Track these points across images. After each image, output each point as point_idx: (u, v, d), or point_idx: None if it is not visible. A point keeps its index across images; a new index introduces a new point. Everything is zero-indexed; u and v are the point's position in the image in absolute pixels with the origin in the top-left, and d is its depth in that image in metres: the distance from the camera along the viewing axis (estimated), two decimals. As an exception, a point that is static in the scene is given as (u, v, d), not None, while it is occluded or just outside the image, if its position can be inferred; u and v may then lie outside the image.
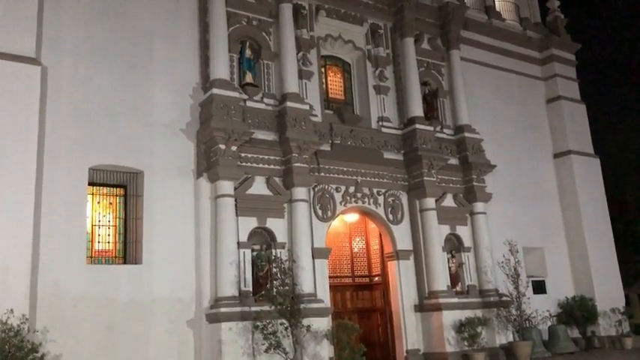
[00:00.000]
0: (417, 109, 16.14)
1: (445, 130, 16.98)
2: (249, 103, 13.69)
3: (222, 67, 13.28)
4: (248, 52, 14.20)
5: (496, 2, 20.79)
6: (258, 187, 13.25)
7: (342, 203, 14.72)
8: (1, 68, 10.99)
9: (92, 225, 12.31)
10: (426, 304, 14.97)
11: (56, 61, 11.97)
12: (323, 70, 15.89)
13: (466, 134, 16.81)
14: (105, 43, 12.69)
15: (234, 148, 12.80)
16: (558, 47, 21.13)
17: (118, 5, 13.07)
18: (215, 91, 12.82)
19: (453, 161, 16.61)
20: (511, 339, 15.28)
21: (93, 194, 12.40)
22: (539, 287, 18.11)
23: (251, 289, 12.54)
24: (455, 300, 15.03)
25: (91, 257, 12.07)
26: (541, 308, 16.44)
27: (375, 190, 15.31)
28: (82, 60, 12.34)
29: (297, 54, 14.65)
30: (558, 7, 22.04)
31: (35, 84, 11.32)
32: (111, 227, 12.53)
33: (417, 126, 15.74)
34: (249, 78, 13.96)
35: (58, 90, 11.86)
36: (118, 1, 13.09)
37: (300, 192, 13.55)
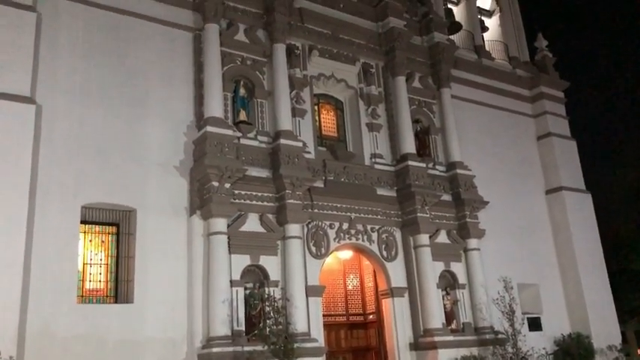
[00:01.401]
0: (409, 146, 16.29)
1: (437, 167, 17.10)
2: (242, 141, 13.78)
3: (216, 105, 13.42)
4: (242, 91, 14.37)
5: (485, 42, 21.24)
6: (252, 224, 13.22)
7: (336, 240, 14.68)
8: (-5, 106, 11.05)
9: (84, 264, 12.19)
10: (422, 343, 14.79)
11: (51, 100, 12.07)
12: (316, 107, 16.08)
13: (458, 171, 16.94)
14: (100, 82, 12.83)
15: (227, 185, 12.82)
16: (547, 85, 21.52)
17: (115, 45, 13.26)
18: (209, 128, 12.92)
19: (446, 197, 16.67)
20: (508, 378, 15.05)
21: (85, 232, 12.33)
22: (534, 324, 17.95)
23: (244, 328, 12.37)
24: (450, 338, 14.86)
25: (82, 296, 11.91)
26: (537, 346, 16.25)
27: (368, 227, 15.29)
28: (77, 98, 12.44)
29: (290, 92, 14.85)
30: (546, 47, 22.53)
31: (29, 123, 11.37)
32: (102, 266, 12.41)
33: (410, 163, 15.86)
34: (242, 116, 14.09)
35: (52, 128, 11.92)
36: (115, 41, 13.28)
37: (293, 229, 13.52)
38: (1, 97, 11.15)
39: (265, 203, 13.58)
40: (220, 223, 12.63)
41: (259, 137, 14.17)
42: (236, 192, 13.13)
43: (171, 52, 13.99)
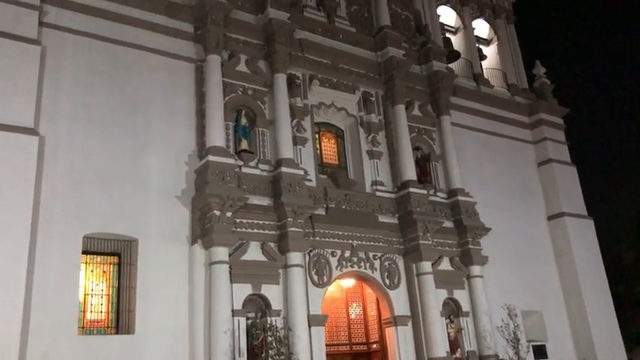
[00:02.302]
0: (410, 173, 16.34)
1: (439, 194, 17.12)
2: (244, 170, 13.84)
3: (218, 134, 13.52)
4: (243, 120, 14.49)
5: (484, 70, 21.49)
6: (253, 252, 13.19)
7: (338, 268, 14.61)
8: (-1, 139, 11.16)
9: (85, 294, 12.12)
10: (426, 372, 14.59)
11: (54, 131, 12.17)
12: (317, 136, 16.18)
13: (459, 197, 16.95)
14: (103, 112, 12.95)
15: (229, 214, 12.83)
16: (546, 112, 21.67)
17: (117, 76, 13.42)
18: (211, 158, 12.99)
19: (448, 224, 16.65)
20: (514, 407, 14.80)
21: (86, 263, 12.29)
22: (540, 352, 17.74)
23: (246, 358, 12.24)
24: (455, 367, 14.68)
25: (83, 328, 11.81)
26: (543, 374, 16.05)
27: (370, 254, 15.24)
28: (80, 128, 12.55)
29: (291, 121, 14.96)
30: (544, 74, 22.75)
31: (32, 154, 11.46)
32: (104, 296, 12.33)
33: (411, 189, 15.88)
34: (244, 145, 14.18)
35: (54, 159, 12.00)
36: (117, 72, 13.45)
37: (295, 257, 13.48)
38: (4, 129, 11.26)
39: (267, 231, 13.56)
40: (222, 252, 12.60)
41: (261, 166, 14.23)
42: (237, 221, 13.13)
43: (173, 82, 14.14)
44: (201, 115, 13.99)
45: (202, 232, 12.87)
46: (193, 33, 14.63)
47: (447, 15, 21.81)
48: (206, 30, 14.23)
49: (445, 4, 21.57)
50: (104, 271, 12.50)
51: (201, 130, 13.85)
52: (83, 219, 11.96)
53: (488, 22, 22.74)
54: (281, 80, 15.03)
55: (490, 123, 20.33)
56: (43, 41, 12.52)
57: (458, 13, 21.87)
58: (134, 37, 13.86)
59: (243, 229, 13.24)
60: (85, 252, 12.07)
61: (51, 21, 12.86)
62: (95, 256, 12.44)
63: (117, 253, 12.61)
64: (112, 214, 12.33)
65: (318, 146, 16.10)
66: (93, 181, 12.33)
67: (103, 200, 12.30)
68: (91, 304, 12.17)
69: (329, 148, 16.55)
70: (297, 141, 15.04)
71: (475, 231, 16.67)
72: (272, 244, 13.50)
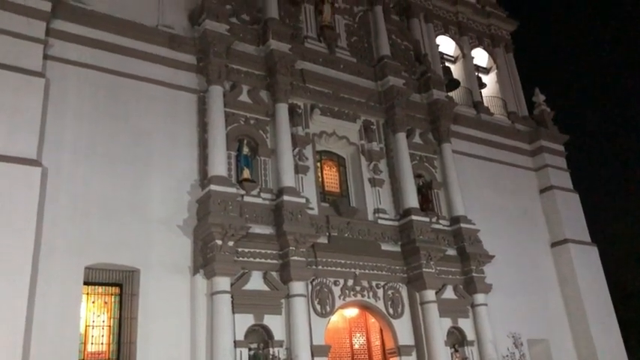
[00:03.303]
0: (412, 200, 16.33)
1: (441, 221, 17.09)
2: (246, 199, 13.86)
3: (220, 164, 13.57)
4: (245, 150, 14.56)
5: (484, 98, 21.67)
6: (255, 282, 13.11)
7: (341, 297, 14.49)
8: (1, 170, 11.21)
9: (86, 326, 12.02)
10: (431, 403, 14.34)
11: (57, 161, 12.23)
12: (319, 164, 16.23)
13: (462, 225, 16.90)
14: (105, 143, 13.03)
15: (231, 243, 12.80)
16: (547, 139, 21.74)
17: (120, 107, 13.55)
18: (213, 187, 13.02)
19: (451, 252, 16.58)
20: None
21: (88, 294, 12.21)
22: (547, 381, 17.47)
23: (248, 390, 12.07)
24: (461, 398, 14.43)
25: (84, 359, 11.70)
26: (551, 404, 15.76)
27: (374, 283, 15.13)
28: (82, 159, 12.62)
29: (293, 150, 15.03)
30: (544, 101, 22.92)
31: (35, 186, 11.50)
32: (105, 328, 12.22)
33: (413, 217, 15.85)
34: (246, 174, 14.22)
35: (57, 190, 12.03)
36: (120, 103, 13.58)
37: (297, 286, 13.38)
38: (7, 160, 11.32)
39: (269, 261, 13.51)
40: (223, 282, 12.53)
41: (262, 194, 14.25)
42: (239, 250, 13.09)
43: (176, 113, 14.26)
44: (203, 144, 14.07)
45: (204, 261, 12.83)
46: (196, 64, 14.81)
47: (446, 44, 22.09)
48: (208, 61, 14.42)
49: (444, 34, 21.87)
50: (105, 302, 12.41)
51: (203, 160, 13.92)
52: (85, 250, 11.94)
53: (487, 51, 23.01)
54: (282, 110, 15.15)
55: (491, 150, 20.41)
56: (47, 73, 12.67)
57: (457, 43, 22.15)
58: (137, 68, 14.04)
59: (245, 259, 13.19)
60: (86, 283, 12.01)
61: (55, 54, 13.05)
62: (96, 286, 12.37)
63: (118, 284, 12.54)
64: (114, 245, 12.31)
65: (319, 174, 16.14)
66: (95, 211, 12.35)
67: (104, 231, 12.29)
68: (92, 336, 12.04)
69: (331, 176, 16.59)
70: (298, 169, 15.08)
71: (478, 258, 16.58)
72: (274, 274, 13.42)
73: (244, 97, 15.04)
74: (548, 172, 21.16)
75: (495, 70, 22.93)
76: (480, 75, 22.59)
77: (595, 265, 20.27)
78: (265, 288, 13.18)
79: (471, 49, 22.36)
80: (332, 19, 17.52)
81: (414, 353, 14.99)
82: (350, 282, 14.73)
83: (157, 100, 14.08)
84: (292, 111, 15.59)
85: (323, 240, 14.57)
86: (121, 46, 13.93)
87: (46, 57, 12.80)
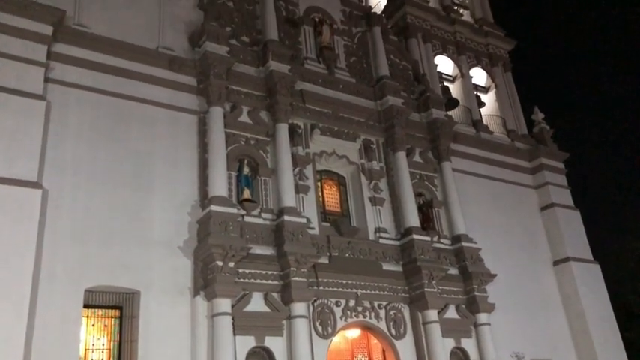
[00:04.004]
0: (413, 219, 16.29)
1: (442, 240, 17.03)
2: (246, 219, 13.83)
3: (220, 184, 13.57)
4: (246, 170, 14.56)
5: (483, 116, 21.74)
6: (256, 303, 13.02)
7: (343, 318, 14.38)
8: (2, 192, 11.21)
9: (85, 349, 11.90)
10: None
11: (57, 184, 12.24)
12: (319, 184, 16.23)
13: (464, 244, 16.84)
14: (106, 165, 13.05)
15: (231, 264, 12.74)
16: (547, 157, 21.77)
17: (121, 129, 13.59)
18: (213, 208, 12.99)
19: (453, 271, 16.49)
20: None
21: (88, 317, 12.12)
22: (551, 401, 17.25)
23: (250, 414, 11.90)
24: (465, 419, 14.23)
25: (83, 384, 11.57)
26: None
27: (376, 303, 15.02)
28: (83, 181, 12.62)
29: (293, 170, 15.04)
30: (543, 119, 23.00)
31: (35, 208, 11.50)
32: (105, 351, 12.10)
33: (415, 236, 15.80)
34: (246, 194, 14.21)
35: (58, 212, 12.02)
36: (121, 125, 13.62)
37: (298, 307, 13.28)
38: (8, 183, 11.33)
39: (270, 281, 13.42)
40: (224, 304, 12.44)
41: (263, 215, 14.22)
42: (240, 271, 13.02)
43: (176, 134, 14.30)
44: (203, 165, 14.09)
45: (205, 283, 12.75)
46: (196, 86, 14.89)
47: (445, 64, 22.26)
48: (209, 83, 14.50)
49: (442, 54, 22.04)
50: (105, 325, 12.31)
51: (203, 181, 13.92)
52: (85, 272, 11.88)
53: (485, 70, 23.16)
54: (283, 130, 15.20)
55: (491, 169, 20.42)
56: (48, 96, 12.74)
57: (455, 62, 22.31)
58: (138, 90, 14.11)
59: (246, 280, 13.12)
60: (86, 305, 11.93)
61: (56, 76, 13.14)
62: (96, 309, 12.27)
63: (118, 306, 12.44)
64: (114, 267, 12.25)
65: (320, 194, 16.12)
66: (95, 233, 12.31)
67: (104, 253, 12.24)
68: (92, 359, 11.92)
69: (331, 195, 16.58)
70: (299, 189, 15.07)
71: (480, 277, 16.49)
72: (275, 295, 13.34)
73: (244, 118, 15.09)
74: (548, 189, 21.15)
75: (494, 89, 23.05)
76: (479, 94, 22.72)
77: (598, 283, 20.15)
78: (266, 309, 13.09)
79: (470, 68, 22.52)
80: (331, 40, 17.68)
81: (417, 374, 14.82)
82: (352, 302, 14.62)
83: (157, 121, 14.13)
84: (292, 131, 15.64)
85: (324, 260, 14.51)
86: (122, 68, 14.02)
87: (47, 80, 12.88)
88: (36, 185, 11.71)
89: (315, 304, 14.00)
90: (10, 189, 11.29)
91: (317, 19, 17.80)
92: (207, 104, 14.53)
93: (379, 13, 20.80)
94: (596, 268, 20.44)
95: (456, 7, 23.50)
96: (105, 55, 13.88)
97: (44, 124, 12.35)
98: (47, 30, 12.97)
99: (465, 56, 22.46)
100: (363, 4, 21.10)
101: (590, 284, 19.79)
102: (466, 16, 23.75)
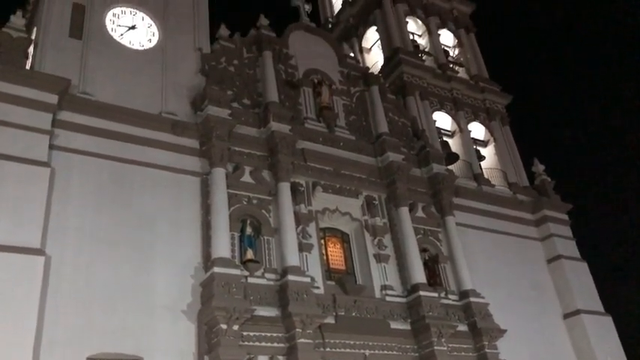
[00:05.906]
0: (419, 275, 16.10)
1: (450, 296, 16.76)
2: (250, 280, 13.68)
3: (223, 246, 13.52)
4: (249, 230, 14.54)
5: (483, 170, 21.84)
6: (262, 367, 12.70)
7: (351, 380, 13.99)
8: (5, 260, 11.18)
9: (86, 421, 11.53)
10: None
11: (60, 250, 12.20)
12: (322, 241, 16.14)
13: (472, 299, 16.56)
14: (109, 230, 13.04)
15: (235, 327, 12.50)
16: (550, 208, 21.66)
17: (124, 193, 13.66)
18: (216, 269, 12.89)
19: (462, 328, 16.13)
20: None
21: (89, 386, 11.81)
22: None
23: None
24: None
25: None
26: None
27: (384, 364, 14.63)
28: (86, 247, 12.59)
29: (296, 228, 15.01)
30: (544, 171, 23.08)
31: (37, 275, 11.43)
32: (106, 422, 11.72)
33: (422, 293, 15.57)
34: (250, 255, 14.12)
35: (60, 278, 11.93)
36: (124, 189, 13.71)
37: (306, 371, 12.95)
38: (11, 250, 11.31)
39: (275, 344, 13.14)
40: (229, 368, 12.14)
41: (267, 275, 14.08)
42: (244, 334, 12.77)
43: (179, 196, 14.35)
44: (206, 226, 14.08)
45: (209, 347, 12.49)
46: (199, 148, 15.08)
47: (443, 120, 22.55)
48: (211, 145, 14.70)
49: (440, 110, 22.36)
50: (107, 395, 11.96)
51: (206, 242, 13.87)
52: (87, 339, 11.67)
53: (483, 125, 23.42)
54: (285, 189, 15.27)
55: (495, 222, 20.31)
56: (52, 163, 12.89)
57: (453, 118, 22.61)
58: (141, 154, 14.28)
59: (251, 343, 12.85)
60: (88, 374, 11.64)
61: (61, 143, 13.34)
62: (98, 378, 11.97)
63: (122, 374, 12.14)
64: (117, 333, 12.03)
65: (324, 252, 16.01)
66: (98, 299, 12.17)
67: (107, 319, 12.06)
68: None
69: (335, 253, 16.45)
70: (302, 247, 14.99)
71: (490, 333, 16.12)
72: (281, 358, 13.02)
73: (247, 178, 15.21)
74: (554, 241, 20.94)
75: (493, 143, 23.24)
76: (479, 148, 22.89)
77: (611, 335, 19.64)
78: (272, 373, 12.75)
79: (468, 123, 22.79)
80: (330, 100, 18.04)
81: None
82: (360, 364, 14.25)
83: (160, 184, 14.22)
84: (294, 189, 15.71)
85: (330, 320, 14.24)
86: (125, 133, 14.25)
87: (51, 147, 13.07)
88: (39, 252, 11.67)
89: (323, 366, 13.65)
90: (13, 256, 11.25)
91: (316, 81, 18.24)
92: (210, 166, 14.67)
93: (376, 73, 21.32)
94: (608, 320, 19.98)
95: (451, 65, 24.06)
96: (109, 122, 14.14)
97: (48, 191, 12.43)
98: (52, 99, 13.29)
99: (462, 112, 22.77)
100: (361, 64, 21.67)
101: (604, 337, 19.29)
102: (462, 73, 24.27)
